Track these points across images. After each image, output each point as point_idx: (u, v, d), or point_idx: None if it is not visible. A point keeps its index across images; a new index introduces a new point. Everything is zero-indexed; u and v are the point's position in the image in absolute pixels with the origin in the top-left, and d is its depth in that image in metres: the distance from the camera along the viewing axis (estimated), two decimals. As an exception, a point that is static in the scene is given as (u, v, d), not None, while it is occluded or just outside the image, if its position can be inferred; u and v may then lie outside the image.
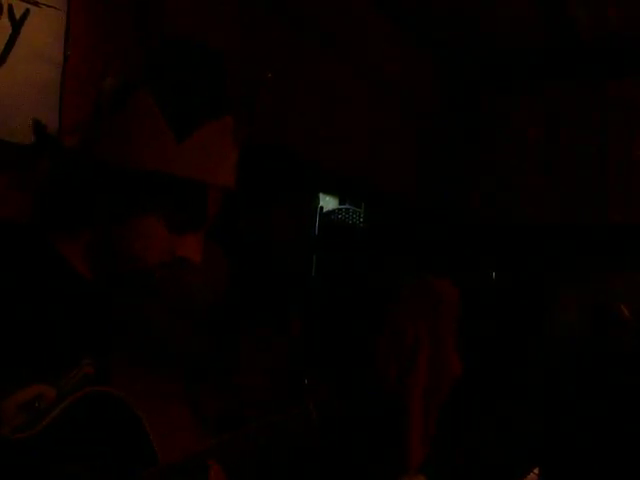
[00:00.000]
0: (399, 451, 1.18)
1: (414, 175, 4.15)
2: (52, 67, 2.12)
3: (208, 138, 1.09)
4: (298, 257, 3.26)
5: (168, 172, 1.06)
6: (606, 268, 3.81)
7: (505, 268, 4.00)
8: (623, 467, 2.61)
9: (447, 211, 4.30)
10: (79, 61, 2.19)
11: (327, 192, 3.66)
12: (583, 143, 4.26)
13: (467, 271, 3.76)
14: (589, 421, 2.73)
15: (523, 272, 3.94)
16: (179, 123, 1.07)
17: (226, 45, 2.71)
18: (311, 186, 3.44)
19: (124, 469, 1.05)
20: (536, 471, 2.20)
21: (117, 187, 1.08)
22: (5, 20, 2.03)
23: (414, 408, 1.16)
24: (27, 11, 2.06)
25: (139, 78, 1.09)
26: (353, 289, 3.40)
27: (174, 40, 1.20)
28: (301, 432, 1.14)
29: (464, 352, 1.21)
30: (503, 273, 3.97)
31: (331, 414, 1.16)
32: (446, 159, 4.41)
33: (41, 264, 1.09)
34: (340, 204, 3.76)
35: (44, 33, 2.10)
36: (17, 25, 2.03)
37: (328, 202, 3.66)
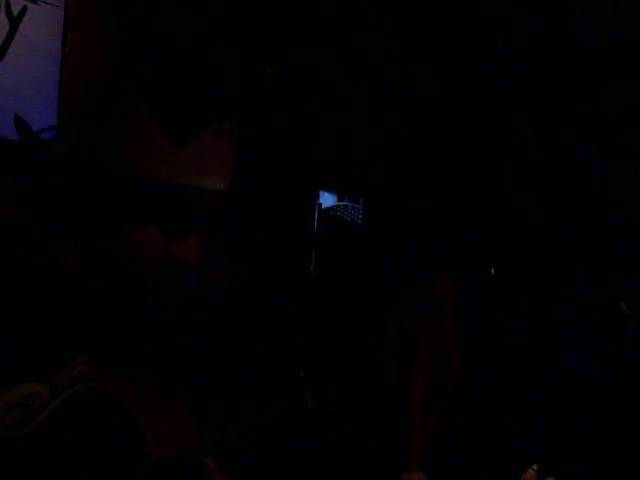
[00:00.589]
0: (399, 448, 1.17)
1: (413, 175, 4.14)
2: (50, 63, 2.13)
3: (204, 144, 1.07)
4: (298, 254, 3.26)
5: (162, 180, 1.05)
6: (606, 268, 3.81)
7: (504, 266, 3.99)
8: (623, 466, 2.60)
9: (447, 210, 4.29)
10: (77, 57, 2.19)
11: (327, 189, 3.65)
12: (583, 143, 4.25)
13: (466, 268, 3.75)
14: (588, 420, 2.72)
15: (522, 270, 3.94)
16: (173, 130, 1.06)
17: (224, 46, 2.71)
18: (311, 183, 3.44)
19: (118, 466, 1.04)
20: (535, 467, 2.20)
21: (110, 193, 1.07)
22: (3, 17, 2.03)
23: (414, 406, 1.16)
24: (25, 8, 2.06)
25: (132, 82, 1.08)
26: (353, 286, 3.39)
27: (167, 42, 1.19)
28: (297, 423, 1.14)
29: (464, 350, 1.20)
30: (502, 270, 3.96)
31: (329, 408, 1.16)
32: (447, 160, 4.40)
33: (36, 264, 1.08)
34: (339, 201, 3.75)
35: (42, 29, 2.11)
36: (15, 21, 2.03)
37: (327, 199, 3.65)
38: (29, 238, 1.10)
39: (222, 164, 1.11)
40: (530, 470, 2.17)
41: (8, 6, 2.04)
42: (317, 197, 3.49)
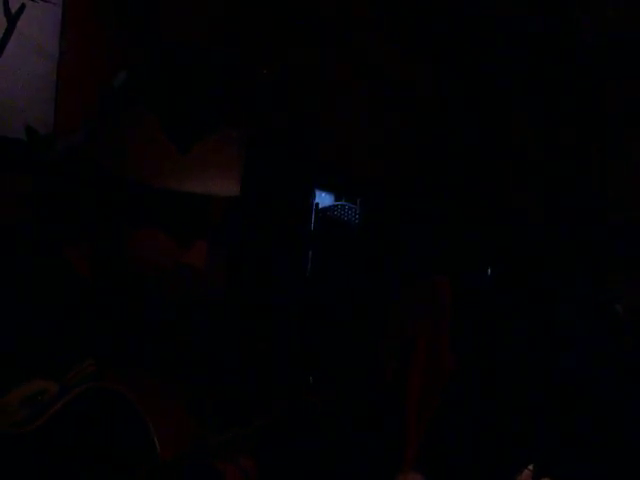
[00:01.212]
0: (396, 448, 1.17)
1: (413, 175, 4.14)
2: (48, 61, 2.12)
3: (211, 150, 1.08)
4: (297, 254, 3.26)
5: (170, 188, 1.05)
6: (606, 268, 3.81)
7: (504, 266, 3.99)
8: (622, 465, 2.60)
9: (447, 210, 4.29)
10: (75, 56, 2.19)
11: (326, 190, 3.65)
12: (583, 143, 4.25)
13: (465, 268, 3.75)
14: (588, 419, 2.72)
15: (522, 270, 3.93)
16: (181, 137, 1.06)
17: (224, 46, 2.71)
18: (311, 183, 3.44)
19: (124, 465, 1.04)
20: (531, 467, 2.20)
21: (119, 198, 1.07)
22: (1, 14, 2.02)
23: (410, 404, 1.16)
24: (23, 5, 2.05)
25: (140, 90, 1.07)
26: (352, 286, 3.39)
27: (173, 47, 1.19)
28: (297, 423, 1.14)
29: (459, 349, 1.20)
30: (502, 270, 3.96)
31: (333, 411, 1.16)
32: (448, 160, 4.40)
33: (41, 264, 1.09)
34: (336, 200, 3.74)
35: (40, 27, 2.10)
36: (13, 19, 2.02)
37: (324, 199, 3.64)
38: (32, 238, 1.10)
39: (230, 169, 1.11)
40: (526, 470, 2.17)
41: (6, 3, 2.03)
42: (314, 196, 3.48)
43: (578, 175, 4.24)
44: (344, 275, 3.48)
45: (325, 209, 3.62)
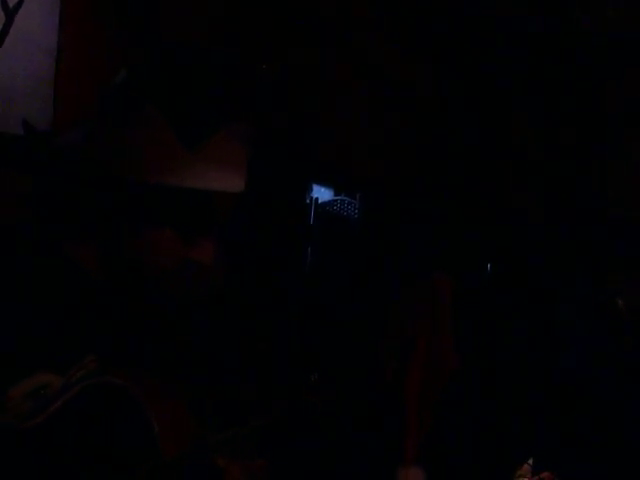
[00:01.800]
0: (396, 448, 1.17)
1: (413, 175, 4.14)
2: (46, 57, 2.10)
3: (217, 147, 1.08)
4: (296, 251, 3.26)
5: (176, 185, 1.05)
6: (606, 267, 3.81)
7: (504, 265, 3.99)
8: (622, 465, 2.60)
9: (447, 210, 4.29)
10: (73, 51, 2.18)
11: (324, 185, 3.64)
12: (583, 143, 4.25)
13: (465, 268, 3.75)
14: (588, 419, 2.72)
15: (522, 270, 3.93)
16: (187, 134, 1.06)
17: (224, 46, 2.71)
18: (311, 183, 3.44)
19: (127, 463, 1.04)
20: (530, 462, 2.21)
21: (124, 197, 1.07)
22: (-2, 9, 2.01)
23: (410, 402, 1.16)
24: (21, 0, 2.04)
25: (140, 90, 1.08)
26: (352, 285, 3.39)
27: (173, 47, 1.19)
28: (297, 423, 1.14)
29: (461, 349, 1.20)
30: (501, 270, 3.96)
31: (333, 411, 1.16)
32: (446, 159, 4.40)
33: (50, 266, 1.08)
34: (335, 195, 3.74)
35: (38, 22, 2.08)
36: (11, 14, 2.00)
37: (323, 193, 3.63)
38: (32, 238, 1.10)
39: (234, 165, 1.11)
40: (525, 465, 2.18)
41: (4, -2, 2.01)
42: (311, 190, 3.47)
43: (578, 175, 4.24)
44: (343, 273, 3.48)
45: (324, 204, 3.62)
